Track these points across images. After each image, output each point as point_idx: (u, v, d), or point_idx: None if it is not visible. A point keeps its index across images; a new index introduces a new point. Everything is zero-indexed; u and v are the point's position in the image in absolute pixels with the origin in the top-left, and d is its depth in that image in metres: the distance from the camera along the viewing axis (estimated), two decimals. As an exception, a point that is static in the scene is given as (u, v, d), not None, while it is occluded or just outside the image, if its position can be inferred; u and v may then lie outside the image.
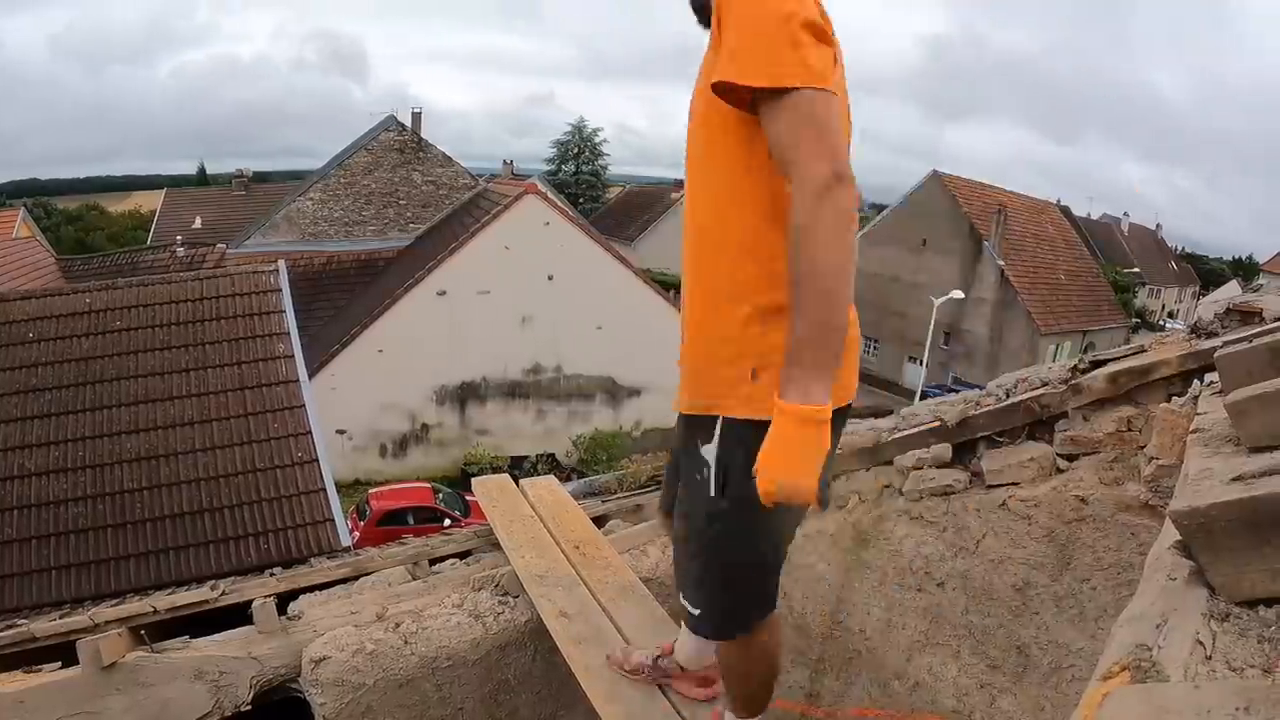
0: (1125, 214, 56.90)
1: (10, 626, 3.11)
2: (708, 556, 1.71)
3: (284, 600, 3.01)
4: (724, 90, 1.37)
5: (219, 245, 21.70)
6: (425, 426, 19.75)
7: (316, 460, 7.19)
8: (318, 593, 3.13)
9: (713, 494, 1.61)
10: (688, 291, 1.63)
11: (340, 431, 17.98)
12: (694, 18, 1.58)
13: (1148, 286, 50.94)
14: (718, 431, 1.58)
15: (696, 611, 1.78)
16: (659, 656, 2.27)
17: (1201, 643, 0.96)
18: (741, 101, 1.38)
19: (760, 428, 1.40)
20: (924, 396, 21.92)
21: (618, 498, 3.74)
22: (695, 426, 1.65)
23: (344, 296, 22.09)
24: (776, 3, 1.32)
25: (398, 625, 2.72)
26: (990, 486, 2.52)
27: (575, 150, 51.01)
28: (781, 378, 1.36)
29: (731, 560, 1.68)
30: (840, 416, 1.55)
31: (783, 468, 1.33)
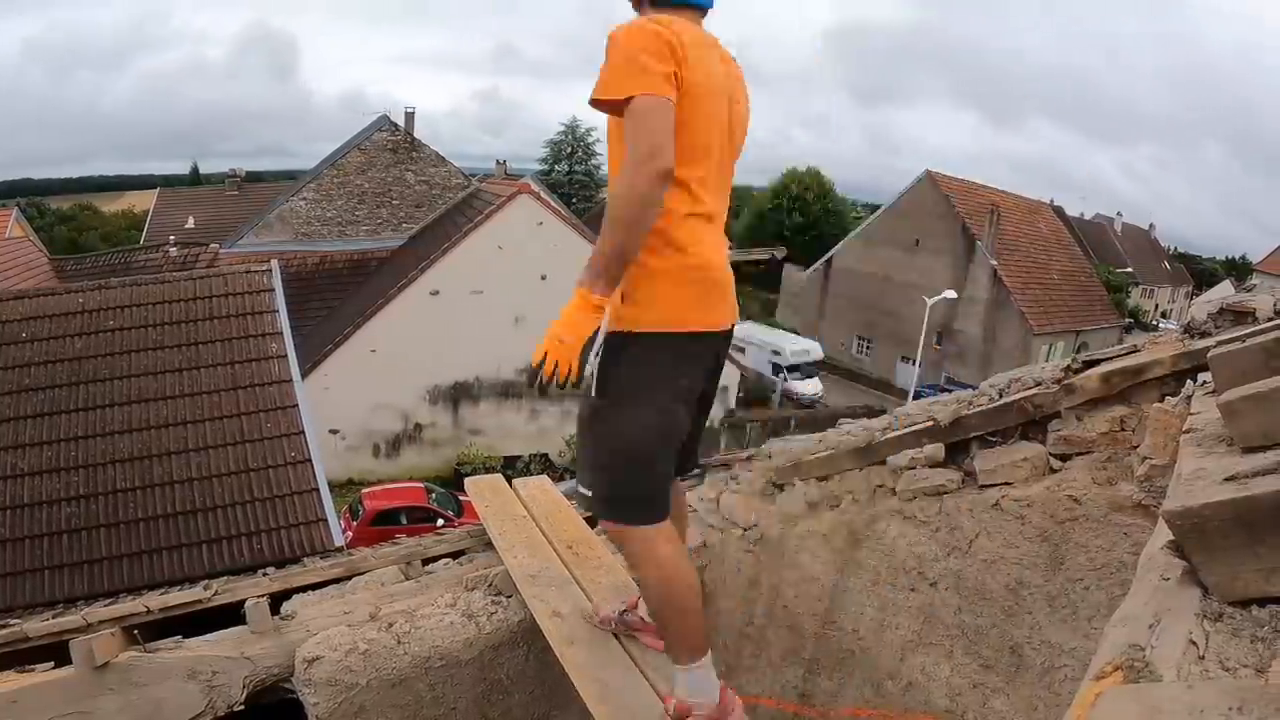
0: (1119, 214, 57.01)
1: (3, 626, 3.10)
2: (595, 449, 2.12)
3: (277, 600, 3.02)
4: (595, 106, 1.90)
5: (212, 245, 21.60)
6: (418, 426, 19.72)
7: (309, 460, 7.17)
8: (311, 592, 3.14)
9: (592, 394, 2.02)
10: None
11: (333, 431, 17.95)
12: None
13: (1141, 286, 50.98)
14: (598, 342, 1.96)
15: (589, 494, 2.15)
16: (624, 611, 2.52)
17: (1194, 642, 0.96)
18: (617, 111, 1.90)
19: (617, 339, 1.97)
20: (917, 396, 21.96)
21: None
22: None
23: (337, 296, 22.04)
24: (618, 42, 1.88)
25: (391, 625, 2.72)
26: (983, 486, 2.51)
27: (568, 150, 50.90)
28: (584, 272, 1.85)
29: (607, 448, 2.08)
30: (683, 339, 2.04)
31: (560, 327, 1.85)
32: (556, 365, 1.84)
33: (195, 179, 58.26)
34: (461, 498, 14.97)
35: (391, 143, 24.42)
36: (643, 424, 2.05)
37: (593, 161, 51.13)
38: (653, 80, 1.84)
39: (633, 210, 1.83)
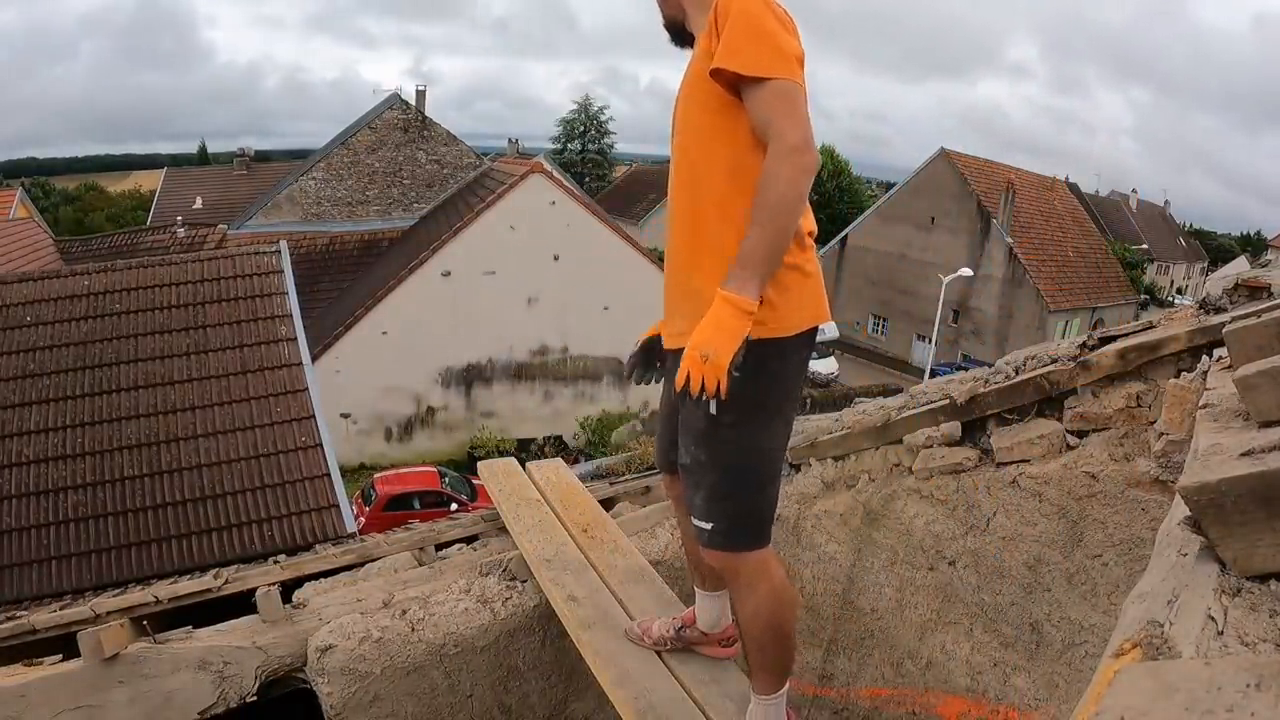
0: (1134, 190, 56.67)
1: (10, 618, 3.09)
2: (720, 475, 1.92)
3: (288, 588, 3.01)
4: (718, 75, 1.76)
5: (220, 226, 21.68)
6: (431, 409, 19.75)
7: (320, 445, 7.17)
8: (323, 580, 3.11)
9: (714, 413, 1.84)
10: (689, 235, 1.94)
11: (344, 415, 18.01)
12: (669, 38, 2.10)
13: (1156, 263, 50.74)
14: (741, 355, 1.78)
15: (708, 526, 1.96)
16: (681, 627, 2.40)
17: (1213, 618, 0.95)
18: (729, 86, 1.77)
19: (754, 346, 1.74)
20: (933, 375, 21.94)
21: (625, 480, 3.73)
22: None
23: (347, 278, 22.07)
24: (760, 19, 1.74)
25: (404, 612, 2.70)
26: (1000, 464, 2.52)
27: (581, 128, 50.85)
28: (729, 273, 1.71)
29: (737, 471, 1.92)
30: (809, 337, 1.93)
31: (710, 339, 1.67)
32: (704, 383, 1.67)
33: (203, 158, 58.31)
34: (475, 481, 15.02)
35: (402, 121, 24.33)
36: (774, 437, 1.95)
37: (605, 140, 51.02)
38: (794, 64, 1.75)
39: (794, 203, 1.73)
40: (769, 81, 1.71)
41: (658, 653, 2.42)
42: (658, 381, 2.30)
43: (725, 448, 1.90)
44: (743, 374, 1.74)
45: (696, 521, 1.99)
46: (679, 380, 1.69)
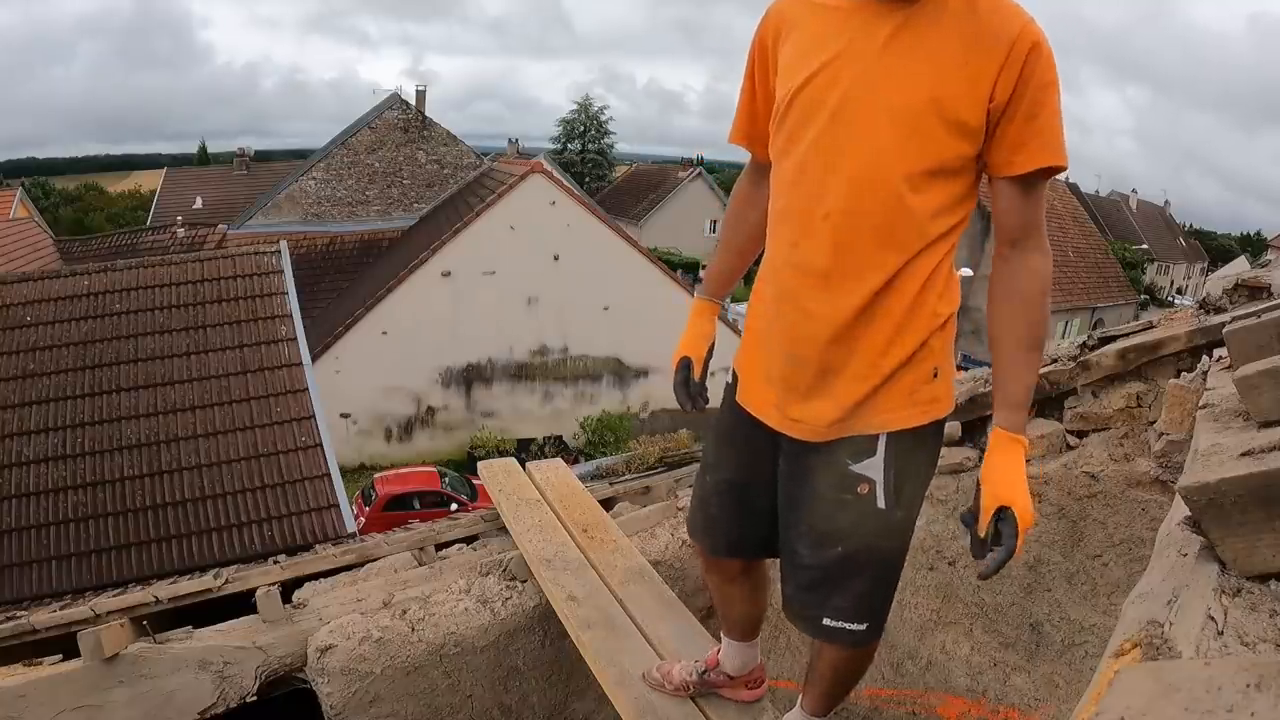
0: (1133, 190, 56.57)
1: (10, 618, 3.09)
2: (880, 569, 1.67)
3: (288, 588, 3.01)
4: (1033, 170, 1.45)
5: (220, 226, 21.67)
6: (431, 409, 19.72)
7: (320, 445, 7.16)
8: (323, 580, 3.11)
9: (883, 506, 1.58)
10: (853, 304, 1.52)
11: (344, 415, 17.96)
12: None
13: (1156, 263, 50.62)
14: (882, 444, 1.57)
15: (863, 627, 1.70)
16: (705, 670, 2.21)
17: (1213, 618, 0.96)
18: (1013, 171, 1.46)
19: (921, 432, 1.57)
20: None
21: (626, 480, 3.72)
22: (837, 445, 1.61)
23: (347, 278, 22.02)
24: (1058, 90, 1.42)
25: (404, 612, 2.70)
26: None
27: (581, 129, 50.77)
28: (1015, 418, 1.50)
29: (899, 565, 1.71)
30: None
31: (1026, 496, 1.44)
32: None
33: (203, 158, 58.22)
34: (475, 481, 14.99)
35: (402, 121, 24.30)
36: (914, 525, 1.72)
37: (605, 140, 50.95)
38: None
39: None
40: (1059, 168, 1.45)
41: (658, 655, 2.39)
42: (705, 405, 1.94)
43: (891, 542, 1.65)
44: (913, 460, 1.60)
45: (840, 624, 1.69)
46: (1020, 543, 1.43)
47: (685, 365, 1.89)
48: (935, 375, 1.57)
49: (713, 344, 1.92)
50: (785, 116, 1.53)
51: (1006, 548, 1.43)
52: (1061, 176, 1.66)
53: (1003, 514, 1.44)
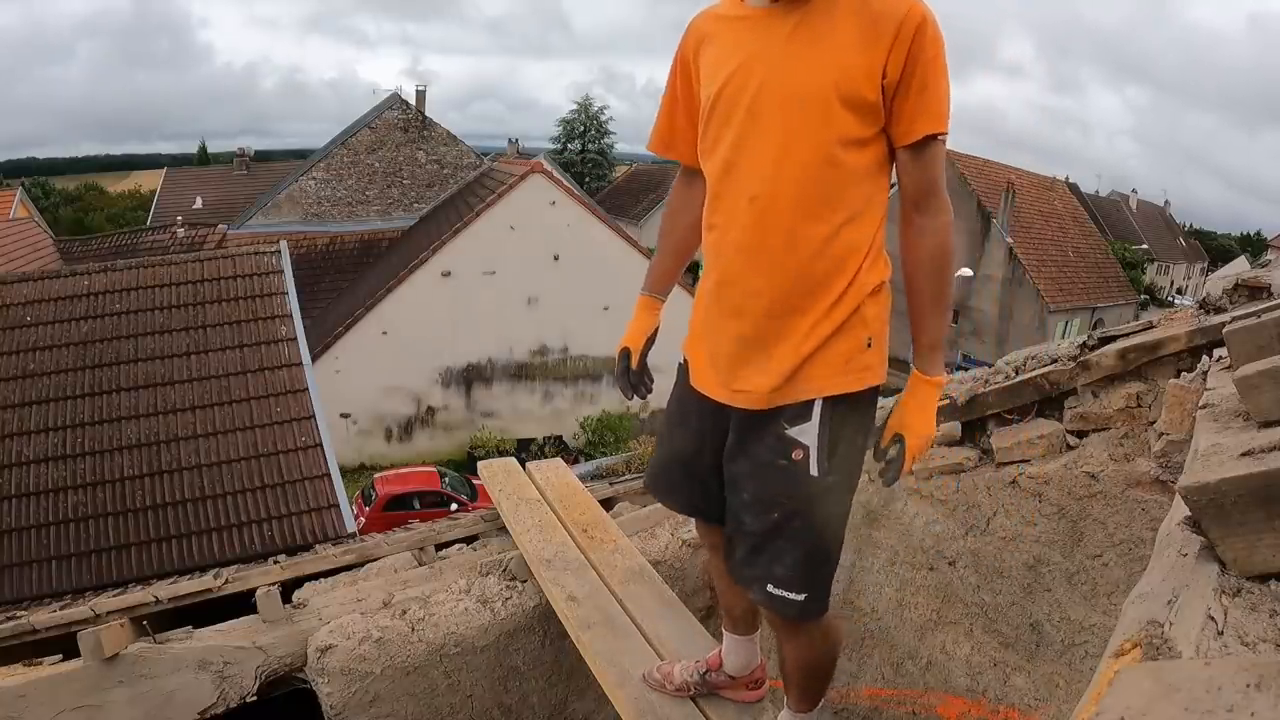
0: (1133, 190, 56.60)
1: (10, 618, 3.09)
2: (815, 536, 1.73)
3: (288, 588, 3.01)
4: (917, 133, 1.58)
5: (220, 226, 21.65)
6: (431, 409, 19.72)
7: (320, 445, 7.17)
8: (323, 580, 3.11)
9: (815, 473, 1.67)
10: (785, 277, 1.65)
11: (344, 415, 17.97)
12: None
13: (1156, 263, 50.63)
14: (818, 410, 1.68)
15: (801, 597, 1.75)
16: (706, 671, 2.23)
17: (1213, 618, 0.96)
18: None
19: (857, 398, 1.68)
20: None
21: (625, 480, 3.72)
22: (777, 413, 1.70)
23: (347, 278, 22.04)
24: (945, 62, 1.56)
25: (404, 612, 2.70)
26: (1000, 464, 2.53)
27: (581, 129, 50.74)
28: (929, 359, 1.69)
29: (834, 533, 1.77)
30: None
31: (929, 425, 1.69)
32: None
33: (203, 158, 58.20)
34: (475, 481, 14.99)
35: (402, 121, 24.32)
36: (854, 493, 1.81)
37: (605, 140, 50.90)
38: None
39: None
40: (943, 135, 1.58)
41: (658, 655, 2.39)
42: (647, 393, 2.08)
43: (826, 510, 1.71)
44: (848, 428, 1.69)
45: (781, 592, 1.73)
46: (907, 466, 1.68)
47: (625, 356, 2.09)
48: (869, 345, 1.68)
49: (652, 336, 2.09)
50: (710, 116, 1.69)
51: (895, 465, 1.68)
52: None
53: (898, 439, 1.68)
